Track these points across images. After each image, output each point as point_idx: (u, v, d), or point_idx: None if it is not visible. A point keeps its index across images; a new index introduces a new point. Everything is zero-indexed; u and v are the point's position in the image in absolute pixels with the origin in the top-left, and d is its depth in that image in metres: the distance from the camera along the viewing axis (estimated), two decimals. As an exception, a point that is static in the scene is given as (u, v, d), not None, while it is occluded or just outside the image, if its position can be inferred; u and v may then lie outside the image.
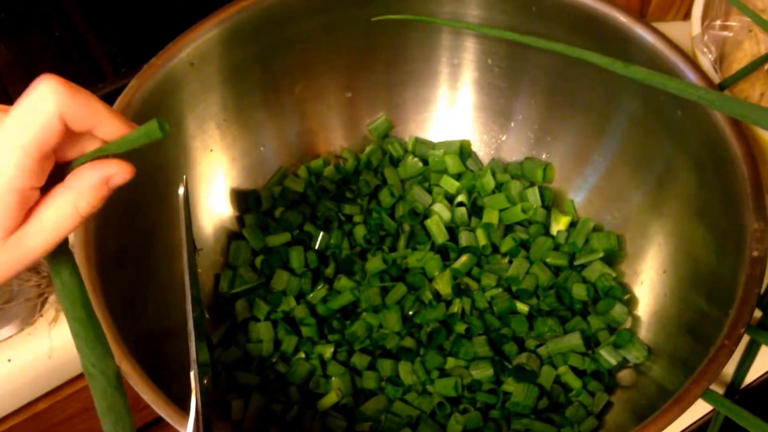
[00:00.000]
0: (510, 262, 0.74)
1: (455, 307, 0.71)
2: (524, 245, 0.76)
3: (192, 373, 0.49)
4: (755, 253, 0.56)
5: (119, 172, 0.41)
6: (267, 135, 0.78)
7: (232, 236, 0.77)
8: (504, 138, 0.81)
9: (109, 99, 0.65)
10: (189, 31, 0.67)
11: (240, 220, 0.77)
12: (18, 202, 0.38)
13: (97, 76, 0.82)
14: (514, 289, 0.73)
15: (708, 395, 0.63)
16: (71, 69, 0.83)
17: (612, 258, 0.74)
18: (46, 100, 0.38)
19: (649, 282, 0.72)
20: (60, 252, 0.43)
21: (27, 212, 0.40)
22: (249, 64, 0.73)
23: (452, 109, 0.81)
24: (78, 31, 0.85)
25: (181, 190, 0.46)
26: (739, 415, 0.60)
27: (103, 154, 0.41)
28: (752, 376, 0.71)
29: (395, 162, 0.81)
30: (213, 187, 0.75)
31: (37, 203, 0.40)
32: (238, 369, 0.69)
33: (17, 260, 0.40)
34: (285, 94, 0.77)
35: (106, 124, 0.40)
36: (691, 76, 0.63)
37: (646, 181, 0.71)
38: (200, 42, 0.68)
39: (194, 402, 0.48)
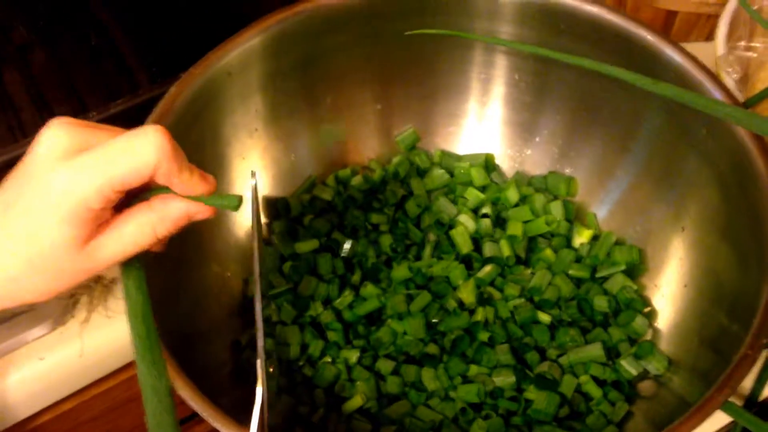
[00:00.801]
0: (533, 273, 0.76)
1: (478, 316, 0.72)
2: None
3: (258, 362, 0.50)
4: (778, 266, 0.57)
5: (202, 211, 0.45)
6: (297, 144, 0.80)
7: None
8: (528, 152, 0.82)
9: (144, 107, 0.68)
10: (228, 41, 0.69)
11: (269, 226, 0.79)
12: (92, 218, 0.41)
13: (132, 85, 0.84)
14: (536, 299, 0.74)
15: (727, 407, 0.64)
16: (106, 77, 0.85)
17: (633, 271, 0.75)
18: (148, 151, 0.41)
19: (670, 295, 0.73)
20: (130, 265, 0.46)
21: (101, 225, 0.42)
22: (283, 74, 0.75)
23: (479, 123, 0.83)
24: (113, 39, 0.87)
25: (252, 182, 0.51)
26: (759, 427, 0.61)
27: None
28: (770, 390, 0.72)
29: (422, 173, 0.83)
30: (244, 194, 0.77)
31: (115, 217, 0.43)
32: (266, 371, 0.71)
33: (90, 267, 0.43)
34: (317, 105, 0.79)
35: (187, 185, 0.44)
36: (717, 94, 0.65)
37: (669, 196, 0.73)
38: (238, 52, 0.70)
39: (260, 392, 0.49)
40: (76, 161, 0.41)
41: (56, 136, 0.41)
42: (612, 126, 0.76)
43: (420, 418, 0.68)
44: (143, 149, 0.41)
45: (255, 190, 0.52)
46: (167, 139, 0.42)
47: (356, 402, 0.69)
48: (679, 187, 0.72)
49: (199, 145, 0.71)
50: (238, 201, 0.46)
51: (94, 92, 0.80)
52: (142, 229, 0.43)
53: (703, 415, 0.53)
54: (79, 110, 0.78)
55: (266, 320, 0.51)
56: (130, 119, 0.74)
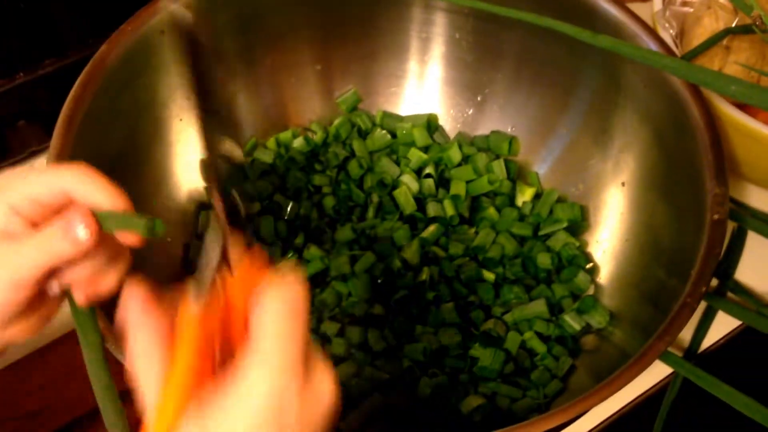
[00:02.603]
0: (476, 232, 0.76)
1: (423, 276, 0.72)
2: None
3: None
4: (716, 216, 0.58)
5: (76, 219, 0.41)
6: (236, 106, 0.78)
7: (201, 206, 0.77)
8: (471, 112, 0.82)
9: (74, 69, 0.66)
10: (160, -2, 0.67)
11: (209, 190, 0.77)
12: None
13: (61, 45, 0.81)
14: (480, 258, 0.74)
15: (668, 357, 0.65)
16: (35, 38, 0.81)
17: (576, 228, 0.76)
18: (63, 175, 0.42)
19: (611, 251, 0.74)
20: (86, 314, 0.46)
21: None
22: (219, 34, 0.73)
23: (420, 83, 0.82)
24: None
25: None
26: (697, 375, 0.63)
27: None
28: (708, 342, 0.73)
29: (363, 134, 0.82)
30: (183, 157, 0.75)
31: None
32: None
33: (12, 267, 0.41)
34: (255, 66, 0.77)
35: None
36: (654, 47, 0.65)
37: (609, 152, 0.73)
38: (171, 9, 0.68)
39: None
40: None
41: None
42: (552, 84, 0.76)
43: (366, 378, 0.68)
44: (59, 172, 0.42)
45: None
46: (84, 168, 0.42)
47: (301, 364, 0.69)
48: (619, 142, 0.72)
49: (135, 108, 0.69)
50: (155, 226, 0.42)
51: (21, 53, 0.76)
52: (50, 235, 0.42)
53: (644, 364, 0.54)
54: (4, 73, 0.75)
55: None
56: (60, 81, 0.71)
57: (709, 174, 0.60)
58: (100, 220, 0.42)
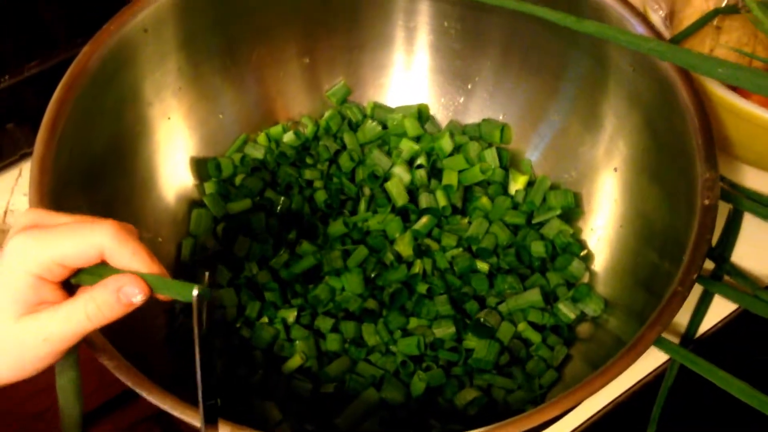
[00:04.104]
0: (470, 222, 0.75)
1: (416, 268, 0.72)
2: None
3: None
4: (706, 201, 0.57)
5: (130, 287, 0.44)
6: (225, 102, 0.78)
7: (192, 204, 0.76)
8: (461, 100, 0.81)
9: (62, 69, 0.65)
10: (143, -5, 0.67)
11: (200, 188, 0.77)
12: (31, 286, 0.43)
13: (49, 44, 0.80)
14: (474, 248, 0.74)
15: (664, 344, 0.65)
16: (20, 39, 0.81)
17: (569, 215, 0.75)
18: (98, 239, 0.43)
19: (606, 237, 0.73)
20: (65, 358, 0.48)
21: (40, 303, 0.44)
22: (205, 30, 0.72)
23: (409, 73, 0.81)
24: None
25: (194, 292, 0.45)
26: (694, 362, 0.62)
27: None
28: (705, 326, 0.73)
29: (354, 127, 0.81)
30: (172, 156, 0.75)
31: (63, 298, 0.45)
32: (202, 335, 0.69)
33: (30, 341, 0.44)
34: (242, 61, 0.77)
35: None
36: (641, 30, 0.64)
37: (601, 138, 0.73)
38: (155, 7, 0.67)
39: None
40: (30, 232, 0.43)
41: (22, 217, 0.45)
42: (541, 69, 0.76)
43: (361, 374, 0.68)
44: (96, 238, 0.43)
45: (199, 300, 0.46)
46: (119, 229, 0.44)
47: (296, 361, 0.68)
48: (610, 127, 0.72)
49: (119, 107, 0.68)
50: (203, 293, 0.45)
51: (6, 55, 0.76)
52: (75, 309, 0.44)
53: (637, 352, 0.53)
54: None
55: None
56: (46, 82, 0.70)
57: (700, 158, 0.59)
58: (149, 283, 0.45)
